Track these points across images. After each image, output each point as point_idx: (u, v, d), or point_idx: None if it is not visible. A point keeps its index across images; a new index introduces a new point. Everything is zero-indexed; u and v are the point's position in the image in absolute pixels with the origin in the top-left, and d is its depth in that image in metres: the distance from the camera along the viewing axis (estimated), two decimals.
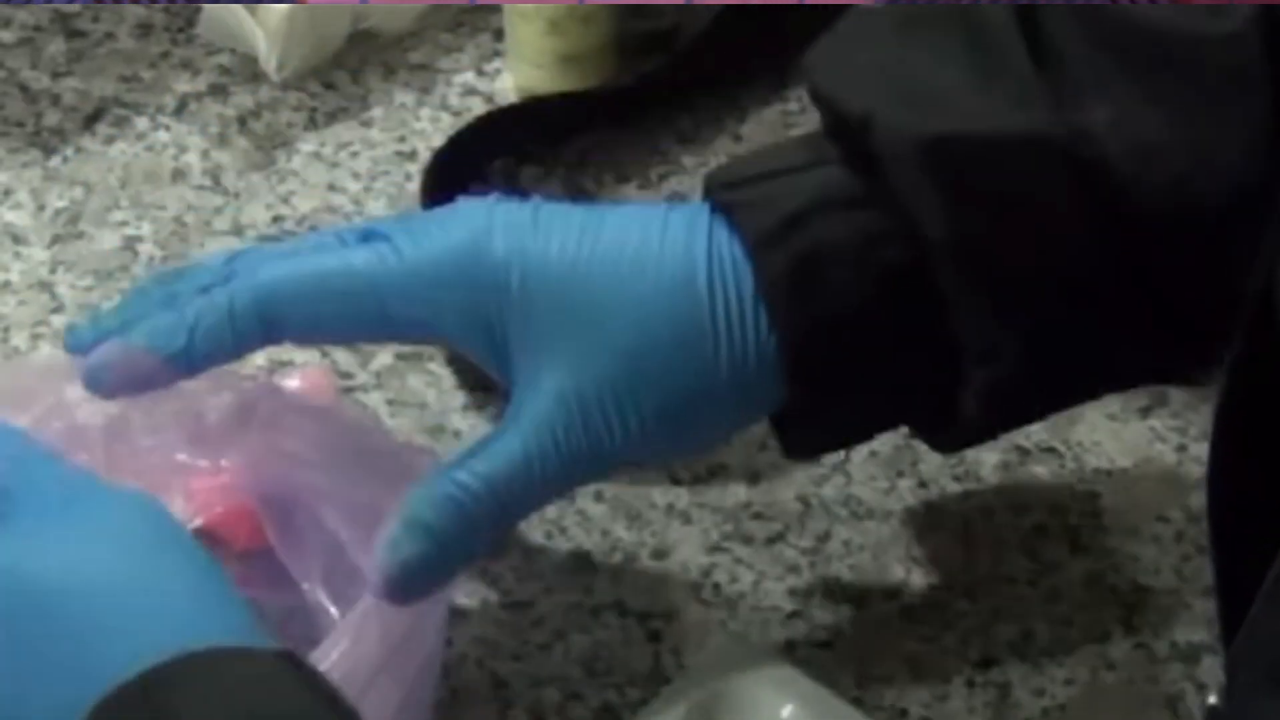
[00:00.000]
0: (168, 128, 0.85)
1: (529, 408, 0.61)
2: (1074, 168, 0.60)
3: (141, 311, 0.62)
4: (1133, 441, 0.75)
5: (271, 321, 0.61)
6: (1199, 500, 0.72)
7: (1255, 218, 0.57)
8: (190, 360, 0.61)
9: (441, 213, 0.63)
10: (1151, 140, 0.60)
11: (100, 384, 0.61)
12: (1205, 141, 0.60)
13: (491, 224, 0.62)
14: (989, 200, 0.61)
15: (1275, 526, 0.54)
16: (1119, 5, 0.62)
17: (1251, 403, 0.56)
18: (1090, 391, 0.68)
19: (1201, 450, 0.74)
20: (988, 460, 0.74)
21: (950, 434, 0.65)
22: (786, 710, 0.64)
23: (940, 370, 0.62)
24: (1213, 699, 0.61)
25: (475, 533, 0.60)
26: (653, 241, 0.62)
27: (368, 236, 0.62)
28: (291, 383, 0.70)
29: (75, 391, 0.63)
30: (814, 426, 0.64)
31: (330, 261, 0.62)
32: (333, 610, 0.63)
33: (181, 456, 0.66)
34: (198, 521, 0.66)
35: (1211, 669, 0.68)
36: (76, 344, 0.62)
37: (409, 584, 0.59)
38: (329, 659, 0.58)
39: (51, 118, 0.85)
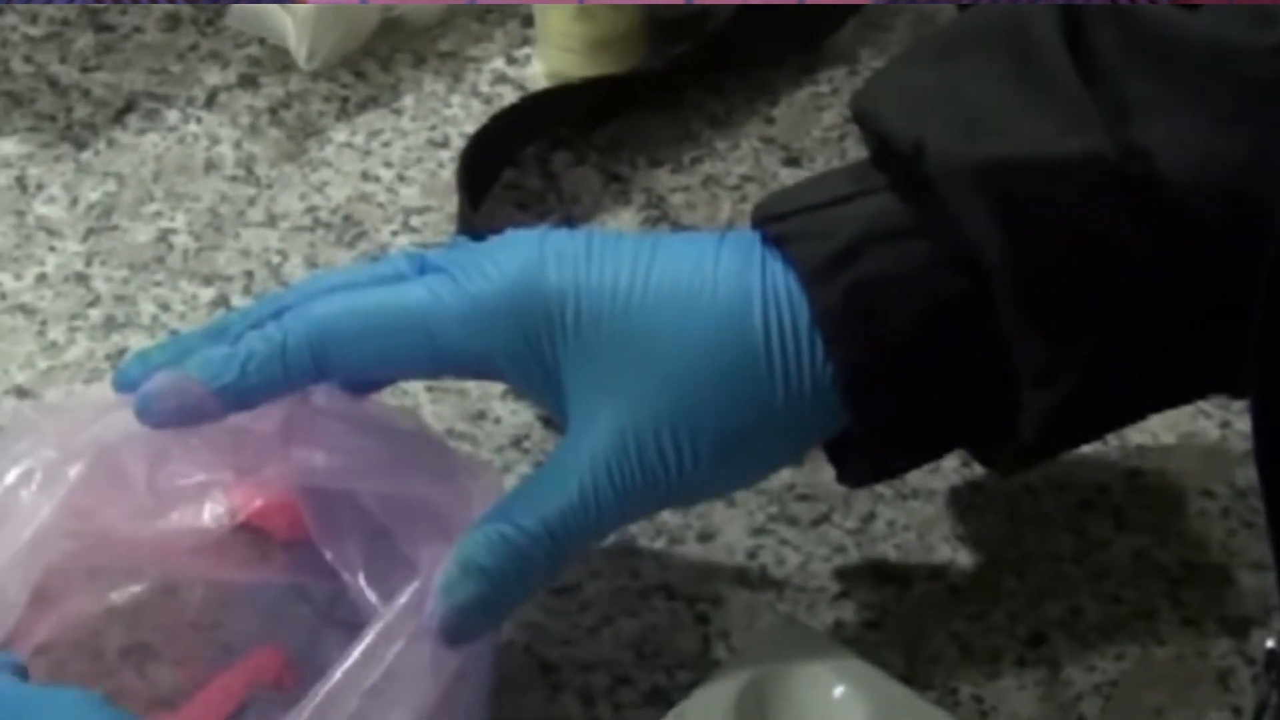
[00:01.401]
0: (199, 119, 0.84)
1: (585, 444, 0.60)
2: (1128, 185, 0.60)
3: (191, 346, 0.62)
4: (1176, 417, 0.74)
5: (323, 357, 0.61)
6: (1244, 475, 0.72)
7: None
8: (241, 393, 0.61)
9: (492, 245, 0.63)
10: (1203, 153, 0.60)
11: (151, 414, 0.61)
12: (1258, 151, 0.60)
13: (544, 256, 0.61)
14: (1045, 223, 0.61)
15: None
16: (1163, 19, 0.62)
17: None
18: (1149, 408, 0.67)
19: (1245, 424, 0.74)
20: None
21: (1008, 457, 0.65)
22: (839, 691, 0.64)
23: (997, 395, 0.62)
24: (1270, 643, 0.61)
25: (531, 573, 0.60)
26: (706, 274, 0.61)
27: (420, 267, 0.62)
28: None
29: (116, 428, 0.63)
30: (870, 454, 0.64)
31: (382, 297, 0.62)
32: (373, 598, 0.62)
33: (221, 475, 0.66)
34: (240, 517, 0.65)
35: (1261, 643, 0.68)
36: (125, 382, 0.62)
37: (464, 626, 0.59)
38: (378, 655, 0.58)
39: (82, 111, 0.85)
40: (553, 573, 0.62)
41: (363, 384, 0.64)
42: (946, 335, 0.61)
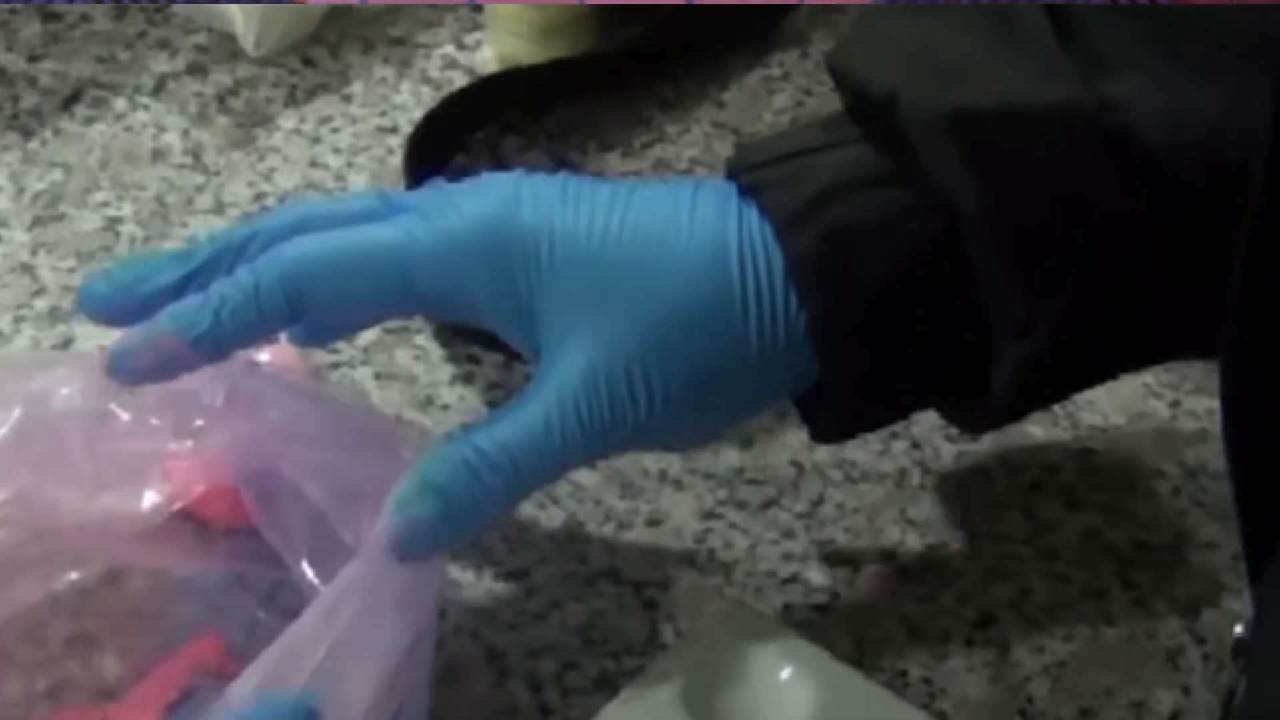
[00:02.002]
0: (146, 107, 0.84)
1: (554, 378, 0.60)
2: (1103, 137, 0.60)
3: (158, 265, 0.61)
4: (1127, 397, 0.74)
5: (297, 299, 0.60)
6: (1195, 455, 0.72)
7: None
8: (217, 342, 0.60)
9: (467, 185, 0.63)
10: (1180, 106, 0.60)
11: (126, 370, 0.60)
12: (1234, 105, 0.59)
13: (519, 195, 0.61)
14: (1019, 172, 0.60)
15: None
16: None
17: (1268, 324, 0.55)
18: (1123, 366, 0.67)
19: (1196, 404, 0.74)
20: None
21: (979, 414, 0.65)
22: (785, 674, 0.64)
23: (972, 349, 0.62)
24: (1239, 630, 0.60)
25: (488, 499, 0.59)
26: (682, 219, 0.61)
27: (393, 207, 0.62)
28: (262, 358, 0.69)
29: (50, 384, 0.62)
30: (843, 407, 0.63)
31: (355, 237, 0.61)
32: (317, 584, 0.62)
33: (171, 445, 0.65)
34: (181, 503, 0.65)
35: (1211, 623, 0.68)
36: (92, 299, 0.61)
37: (414, 543, 0.59)
38: (307, 629, 0.57)
39: (29, 100, 0.84)
40: (509, 503, 0.61)
41: (337, 326, 0.64)
42: (921, 284, 0.61)
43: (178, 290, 0.61)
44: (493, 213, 0.61)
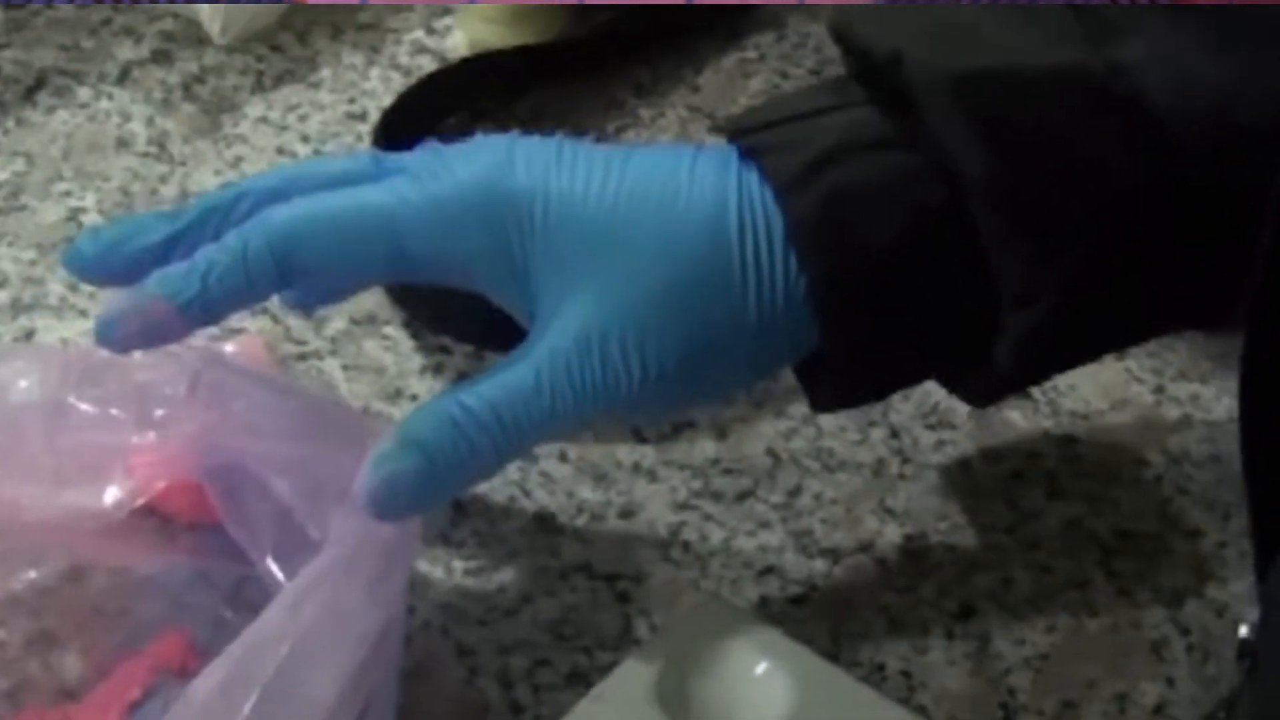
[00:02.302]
0: (111, 96, 0.82)
1: (547, 340, 0.59)
2: (1111, 102, 0.58)
3: (146, 225, 0.60)
4: (1109, 384, 0.73)
5: (286, 263, 0.59)
6: (1178, 442, 0.71)
7: None
8: (205, 307, 0.58)
9: (459, 147, 0.61)
10: (1189, 72, 0.59)
11: (114, 338, 0.58)
12: (1245, 74, 0.58)
13: (513, 156, 0.60)
14: (1026, 136, 0.59)
15: None
16: None
17: None
18: (1126, 337, 0.66)
19: (1179, 390, 0.73)
20: (961, 408, 0.72)
21: (980, 384, 0.63)
22: (761, 668, 0.62)
23: (974, 318, 0.60)
24: (1244, 630, 0.59)
25: (472, 457, 0.58)
26: (681, 181, 0.60)
27: (385, 168, 0.61)
28: (227, 349, 0.67)
29: (9, 376, 0.61)
30: (842, 375, 0.62)
31: (345, 200, 0.60)
32: (281, 579, 0.60)
33: (133, 437, 0.64)
34: (143, 498, 0.63)
35: (1195, 613, 0.67)
36: (76, 258, 0.60)
37: (393, 500, 0.57)
38: (271, 625, 0.56)
39: None
40: (494, 464, 0.59)
41: (328, 290, 0.62)
42: (924, 249, 0.59)
43: (164, 251, 0.60)
44: (486, 174, 0.59)
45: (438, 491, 0.59)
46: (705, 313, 0.59)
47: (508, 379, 0.58)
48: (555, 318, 0.59)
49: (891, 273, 0.59)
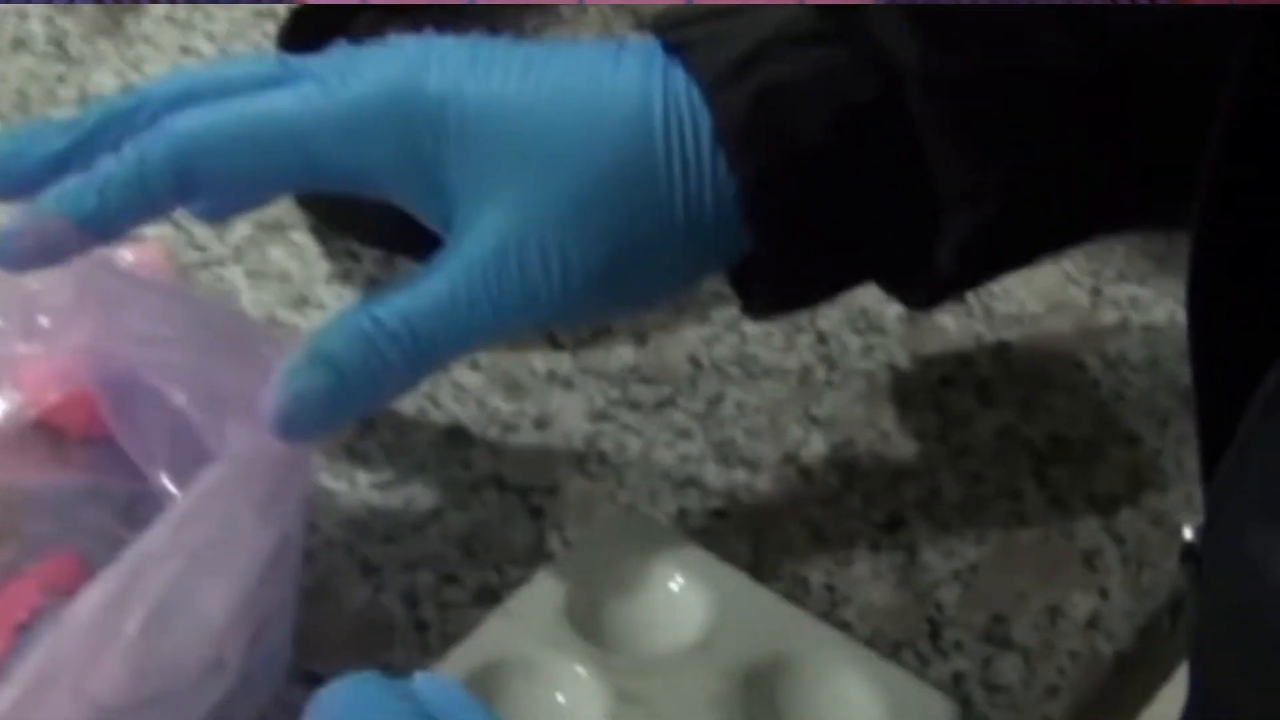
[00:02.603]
0: None
1: (463, 250, 0.56)
2: None
3: (41, 133, 0.57)
4: (1044, 286, 0.71)
5: (187, 176, 0.56)
6: (1115, 346, 0.69)
7: (1243, 29, 0.52)
8: (104, 223, 0.56)
9: (371, 49, 0.58)
10: None
11: (10, 255, 0.56)
12: None
13: (426, 59, 0.57)
14: (964, 24, 0.56)
15: (1258, 349, 0.50)
16: None
17: (1232, 214, 0.52)
18: (1073, 236, 0.63)
19: (1118, 292, 0.70)
20: (890, 312, 0.69)
21: (922, 289, 0.61)
22: (677, 584, 0.60)
23: (914, 219, 0.58)
24: (1188, 534, 0.57)
25: (385, 372, 0.55)
26: (604, 81, 0.57)
27: (292, 73, 0.57)
28: (125, 257, 0.64)
29: None
30: (776, 279, 0.59)
31: (249, 108, 0.57)
32: (178, 495, 0.58)
33: (19, 348, 0.61)
34: (31, 412, 0.61)
35: (1130, 522, 0.64)
36: None
37: (301, 418, 0.55)
38: (159, 541, 0.53)
39: None
40: (408, 380, 0.57)
41: (236, 202, 0.59)
42: (858, 147, 0.57)
43: (62, 162, 0.57)
44: (398, 78, 0.56)
45: (348, 408, 0.56)
46: (630, 217, 0.56)
47: (422, 291, 0.56)
48: (472, 226, 0.56)
49: (825, 172, 0.57)
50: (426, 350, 0.56)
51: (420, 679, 0.43)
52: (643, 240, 0.56)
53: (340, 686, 0.42)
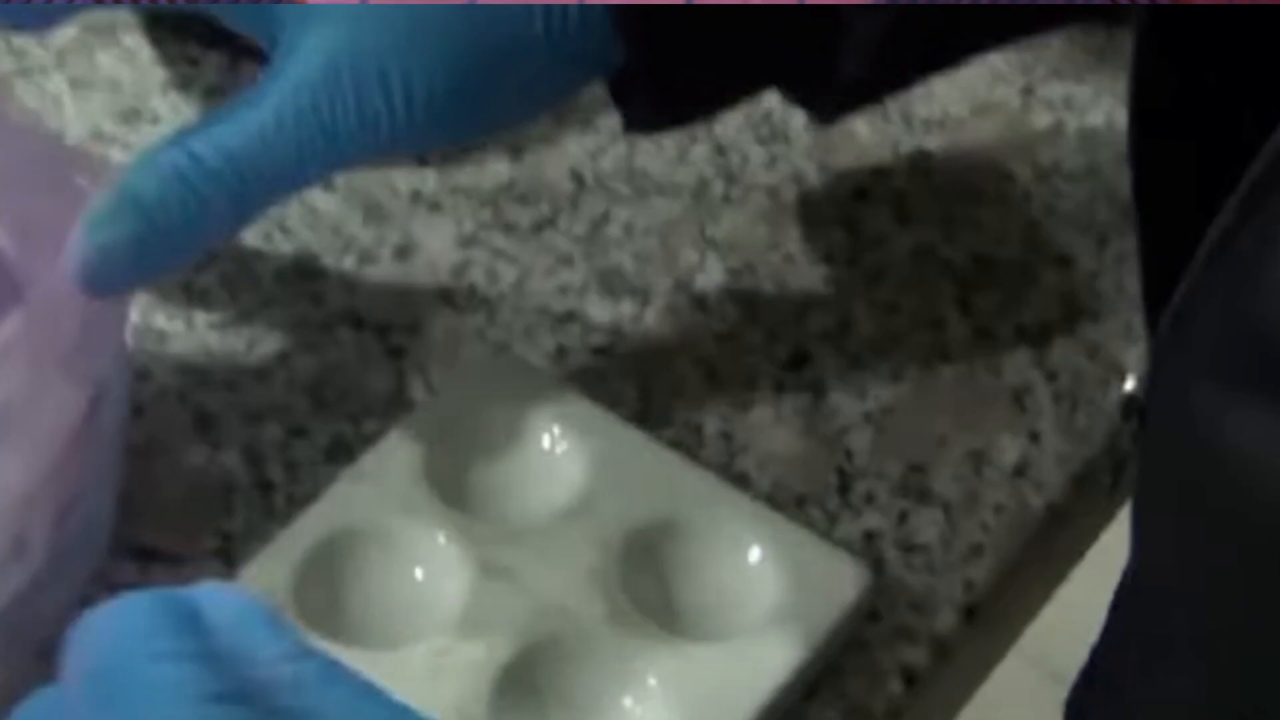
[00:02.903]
0: None
1: (291, 72, 0.49)
2: None
3: None
4: (970, 86, 0.64)
5: None
6: (1049, 153, 0.63)
7: None
8: None
9: None
10: None
11: None
12: None
13: None
14: None
15: (1207, 156, 0.44)
16: None
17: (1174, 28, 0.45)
18: (999, 35, 0.57)
19: (1050, 92, 0.64)
20: (797, 118, 0.62)
21: (827, 97, 0.55)
22: (553, 435, 0.53)
23: (813, 15, 0.51)
24: (1129, 385, 0.53)
25: (204, 217, 0.49)
26: None
27: None
28: None
29: None
30: (656, 91, 0.53)
31: None
32: None
33: None
34: None
35: (1064, 355, 0.58)
36: None
37: (108, 272, 0.48)
38: None
39: None
40: (230, 224, 0.50)
41: (41, 11, 0.52)
42: None
43: None
44: None
45: (164, 258, 0.49)
46: (481, 30, 0.50)
47: (246, 120, 0.49)
48: (299, 44, 0.50)
49: None
50: (252, 188, 0.49)
51: (207, 595, 0.36)
52: (495, 56, 0.50)
53: (101, 615, 0.36)
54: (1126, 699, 0.49)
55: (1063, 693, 0.50)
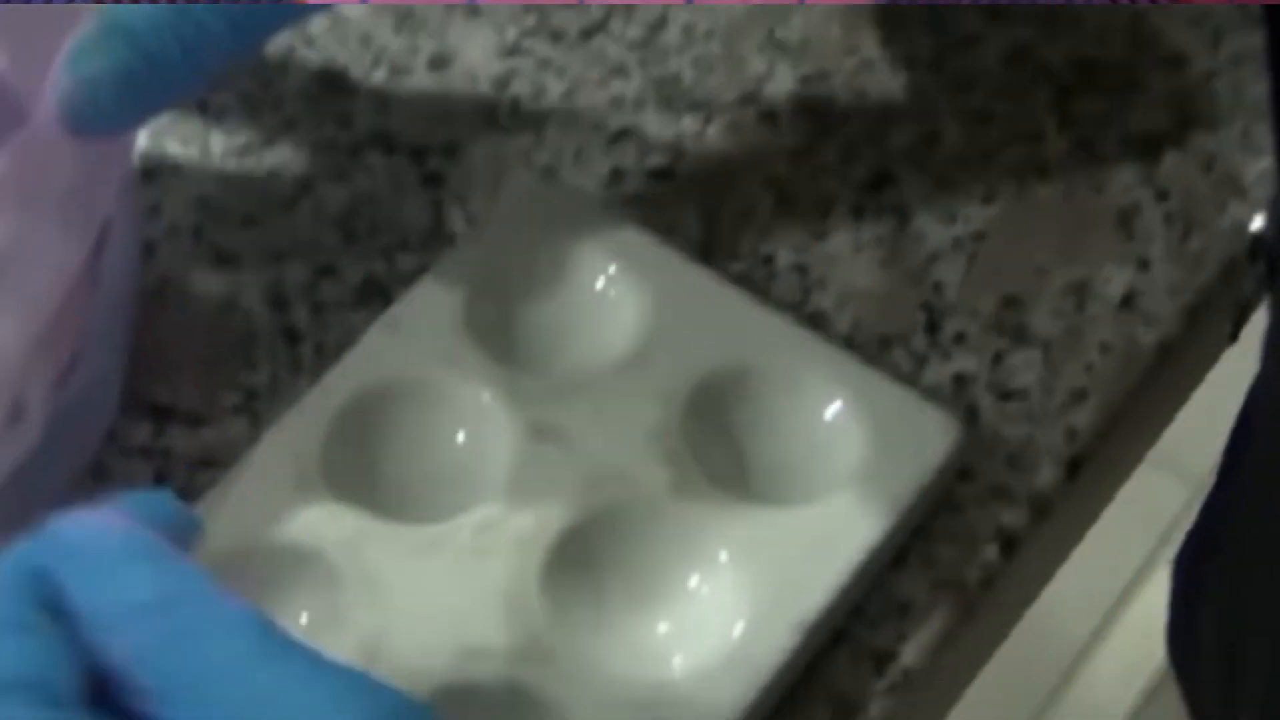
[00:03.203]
0: None
1: None
2: None
3: None
4: None
5: None
6: None
7: None
8: None
9: None
10: None
11: None
12: None
13: None
14: None
15: None
16: None
17: None
18: None
19: None
20: None
21: None
22: (606, 274, 0.48)
23: None
24: (1258, 223, 0.48)
25: (203, 46, 0.44)
26: None
27: None
28: None
29: None
30: None
31: None
32: None
33: None
34: None
35: (1176, 169, 0.52)
36: None
37: (93, 109, 0.44)
38: None
39: None
40: (231, 51, 0.45)
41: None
42: None
43: None
44: None
45: (158, 94, 0.44)
46: None
47: None
48: None
49: None
50: (254, 16, 0.43)
51: (57, 542, 0.33)
52: None
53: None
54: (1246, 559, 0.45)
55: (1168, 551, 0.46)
